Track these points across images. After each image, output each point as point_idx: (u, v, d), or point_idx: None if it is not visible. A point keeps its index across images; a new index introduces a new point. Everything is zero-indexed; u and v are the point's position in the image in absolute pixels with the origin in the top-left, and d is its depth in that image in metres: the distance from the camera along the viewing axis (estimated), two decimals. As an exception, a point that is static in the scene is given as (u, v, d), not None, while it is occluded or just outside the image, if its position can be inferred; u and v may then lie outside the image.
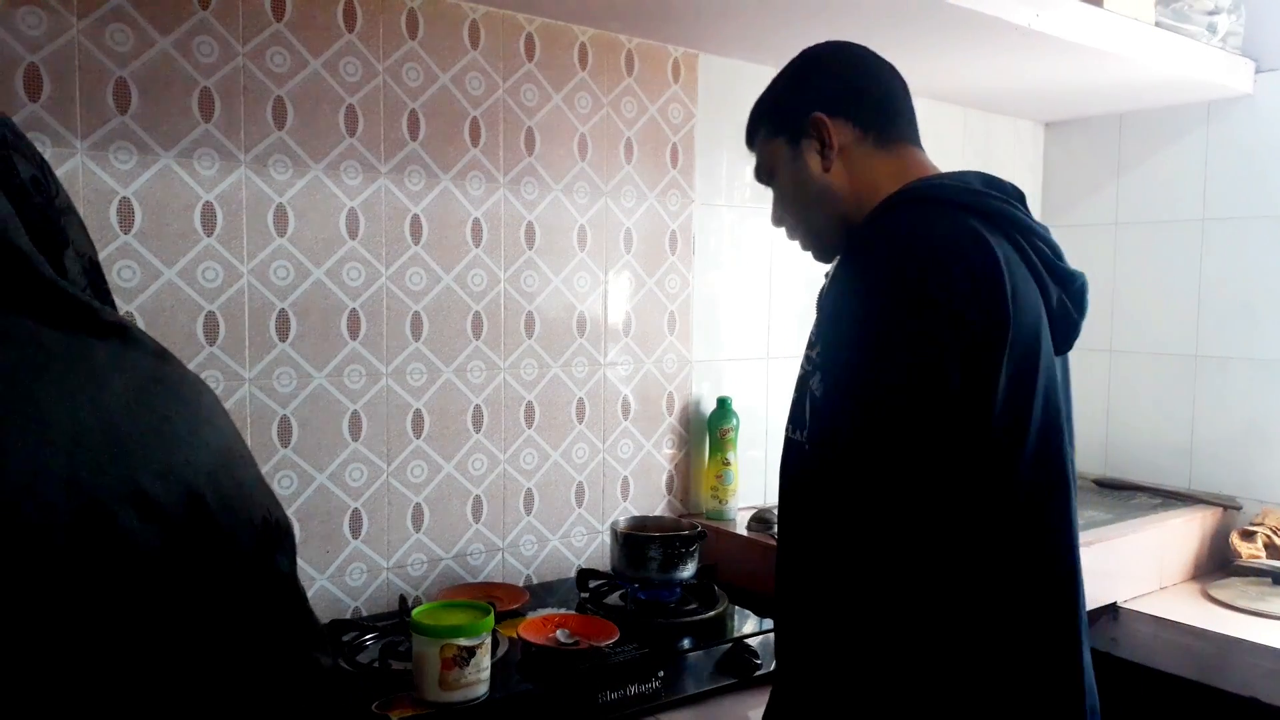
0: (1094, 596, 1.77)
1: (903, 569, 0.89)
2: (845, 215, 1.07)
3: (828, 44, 1.13)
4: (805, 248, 1.17)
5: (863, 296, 0.92)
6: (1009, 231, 0.96)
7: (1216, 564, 2.02)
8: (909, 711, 0.91)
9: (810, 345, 1.02)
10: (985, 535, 0.92)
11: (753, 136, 1.16)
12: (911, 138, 1.09)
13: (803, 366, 1.04)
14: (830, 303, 0.97)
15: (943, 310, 0.87)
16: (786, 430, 1.07)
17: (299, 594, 0.58)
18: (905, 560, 0.88)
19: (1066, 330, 1.00)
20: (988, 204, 0.97)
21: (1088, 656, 1.01)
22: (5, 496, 0.45)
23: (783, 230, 1.17)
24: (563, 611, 1.47)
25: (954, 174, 1.03)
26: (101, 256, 1.19)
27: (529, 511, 1.69)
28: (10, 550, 0.44)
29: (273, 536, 0.56)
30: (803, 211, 1.11)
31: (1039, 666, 0.96)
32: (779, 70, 1.15)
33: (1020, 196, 1.04)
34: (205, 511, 0.51)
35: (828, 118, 1.06)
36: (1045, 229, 1.02)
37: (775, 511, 1.72)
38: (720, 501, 1.83)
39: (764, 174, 1.15)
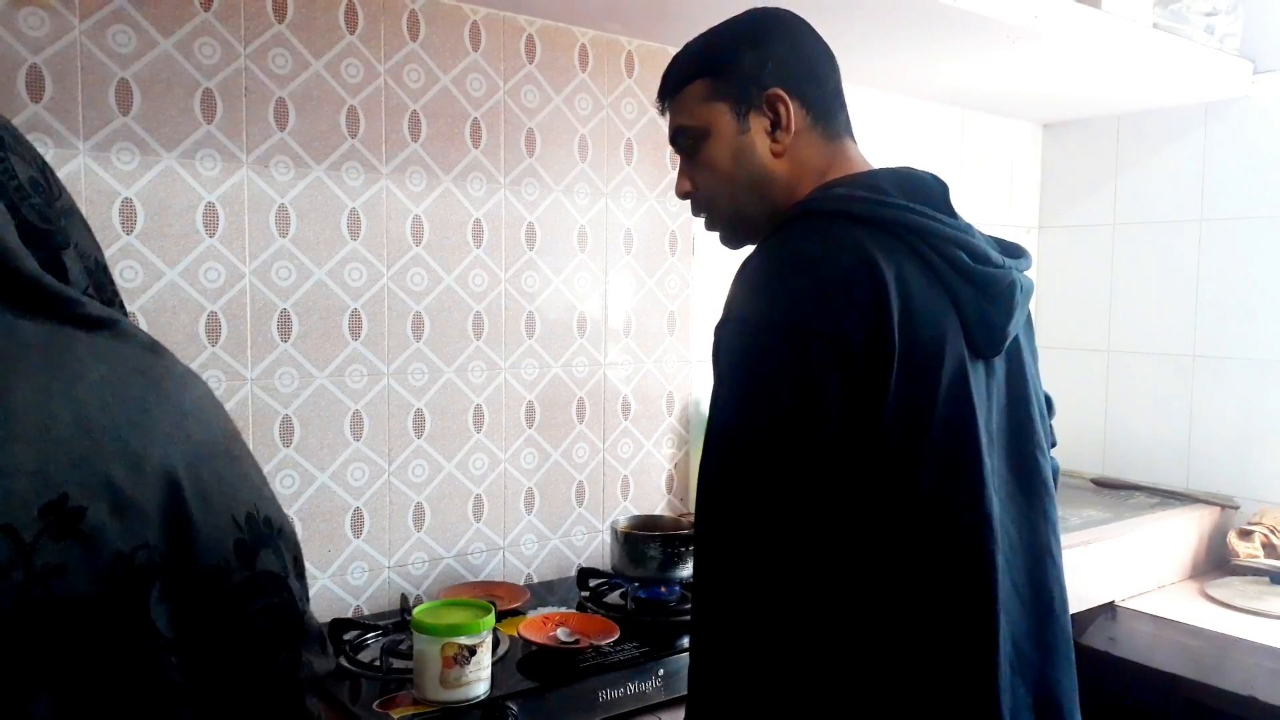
0: (1092, 595, 1.79)
1: (793, 595, 0.83)
2: (778, 206, 0.98)
3: (780, 10, 1.01)
4: (716, 229, 1.05)
5: (742, 331, 0.87)
6: (912, 241, 0.90)
7: (1214, 563, 2.03)
8: None
9: None
10: (884, 555, 0.86)
11: (680, 87, 1.01)
12: (849, 131, 1.01)
13: None
14: (717, 333, 0.90)
15: (823, 339, 0.83)
16: None
17: (289, 592, 0.57)
18: (795, 584, 0.83)
19: (989, 334, 0.93)
20: (887, 215, 0.90)
21: (1006, 692, 0.90)
22: None
23: (704, 210, 1.04)
24: (563, 610, 1.47)
25: (861, 177, 0.96)
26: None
27: (529, 511, 1.70)
28: None
29: (258, 534, 0.55)
30: (733, 193, 1.00)
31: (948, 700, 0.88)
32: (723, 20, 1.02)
33: (940, 195, 0.96)
34: (181, 505, 0.50)
35: (789, 96, 0.96)
36: (965, 230, 0.94)
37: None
38: (720, 501, 1.84)
39: (689, 137, 1.01)
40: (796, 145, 0.98)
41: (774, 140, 0.97)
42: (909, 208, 0.91)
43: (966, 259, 0.92)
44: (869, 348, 0.83)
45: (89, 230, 0.59)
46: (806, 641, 0.84)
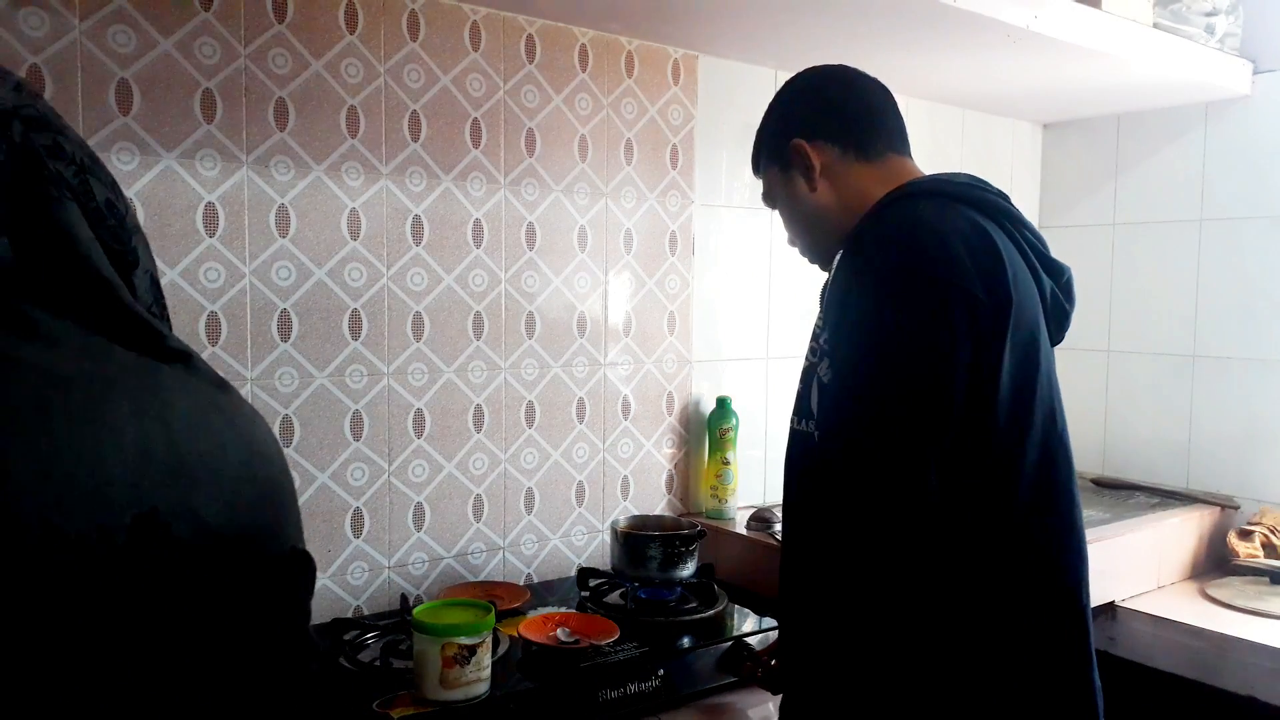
0: (1091, 595, 1.79)
1: (913, 558, 0.90)
2: (838, 227, 1.11)
3: (808, 70, 1.18)
4: (811, 261, 1.22)
5: (870, 284, 0.94)
6: (1002, 223, 1.00)
7: (1214, 563, 2.03)
8: (916, 709, 0.92)
9: (815, 336, 1.04)
10: (992, 519, 0.93)
11: (756, 166, 1.22)
12: (898, 148, 1.13)
13: (807, 358, 1.06)
14: (838, 293, 0.99)
15: (950, 289, 0.90)
16: (791, 422, 1.08)
17: (307, 617, 0.62)
18: (916, 549, 0.90)
19: (1060, 320, 1.07)
20: (981, 196, 1.01)
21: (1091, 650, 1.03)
22: (77, 498, 0.47)
23: (796, 247, 1.23)
24: (563, 610, 1.47)
25: (946, 174, 1.07)
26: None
27: (530, 511, 1.69)
28: (78, 548, 0.47)
29: (299, 567, 0.59)
30: (801, 230, 1.18)
31: (1048, 660, 0.98)
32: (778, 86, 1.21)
33: (1007, 196, 1.07)
34: (248, 538, 0.54)
35: (806, 142, 1.11)
36: (1032, 225, 1.06)
37: (775, 510, 1.73)
38: (720, 501, 1.84)
39: (768, 199, 1.21)
40: (833, 175, 1.11)
41: (808, 180, 1.12)
42: (998, 192, 1.04)
43: (1041, 248, 1.04)
44: (991, 301, 0.91)
45: (148, 245, 0.63)
46: (912, 600, 0.91)
